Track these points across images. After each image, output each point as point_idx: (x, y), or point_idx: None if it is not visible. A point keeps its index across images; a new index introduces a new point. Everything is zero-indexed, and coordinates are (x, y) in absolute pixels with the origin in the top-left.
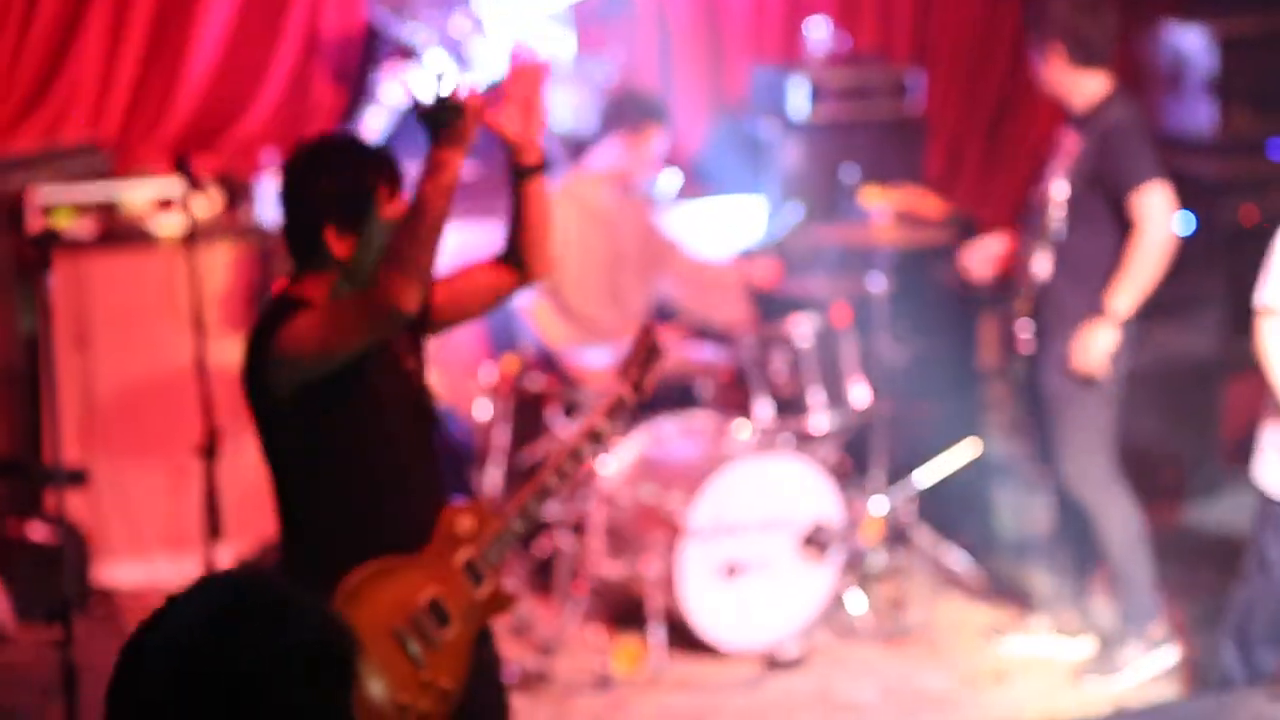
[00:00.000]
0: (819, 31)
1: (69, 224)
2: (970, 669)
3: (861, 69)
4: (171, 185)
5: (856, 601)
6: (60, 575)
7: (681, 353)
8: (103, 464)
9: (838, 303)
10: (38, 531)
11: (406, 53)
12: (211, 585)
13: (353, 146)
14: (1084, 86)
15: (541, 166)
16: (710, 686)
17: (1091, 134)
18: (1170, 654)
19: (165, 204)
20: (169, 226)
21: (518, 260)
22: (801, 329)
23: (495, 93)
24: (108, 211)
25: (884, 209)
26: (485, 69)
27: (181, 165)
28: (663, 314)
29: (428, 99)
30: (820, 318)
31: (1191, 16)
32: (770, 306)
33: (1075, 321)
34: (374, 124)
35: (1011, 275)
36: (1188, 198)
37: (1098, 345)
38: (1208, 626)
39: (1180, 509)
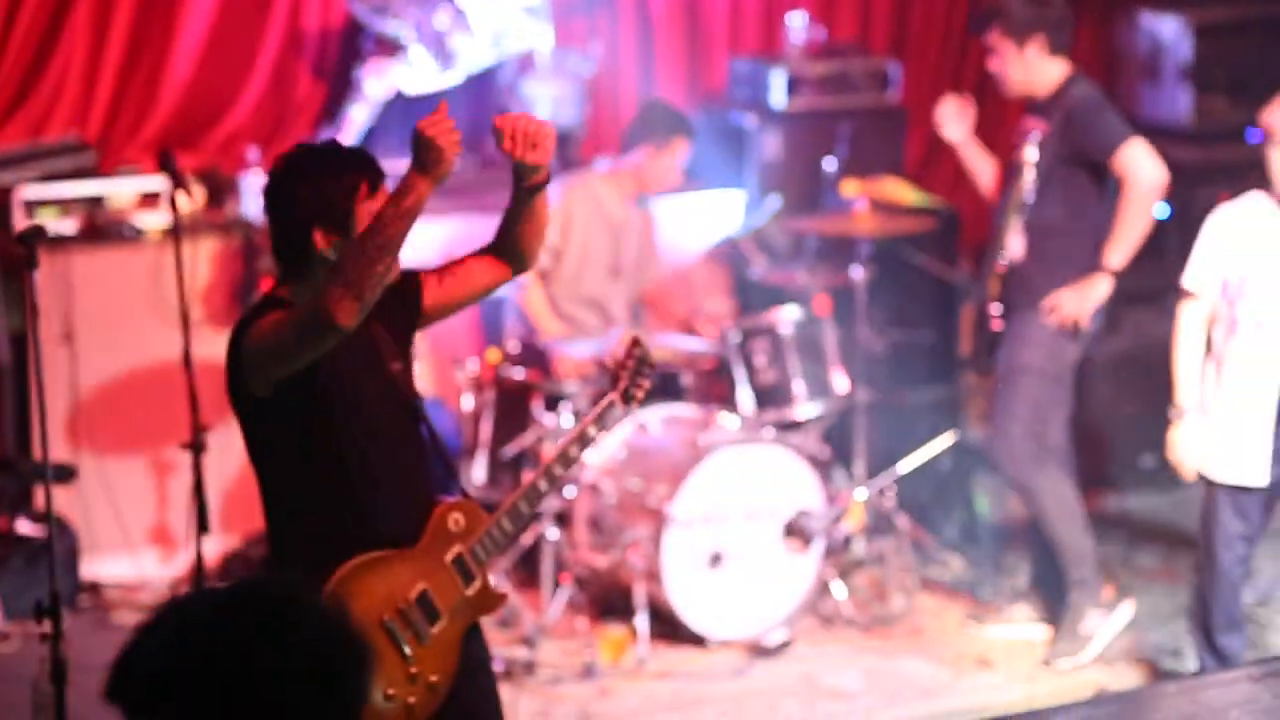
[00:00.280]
0: (798, 23)
1: (54, 221)
2: (953, 655)
3: (840, 60)
4: (156, 182)
5: (839, 589)
6: (49, 570)
7: (665, 344)
8: (90, 459)
9: (818, 293)
10: (26, 527)
11: (388, 48)
12: (231, 591)
13: (334, 150)
14: (1051, 73)
15: (546, 183)
16: (695, 675)
17: (1056, 115)
18: (1126, 611)
19: (150, 200)
20: (154, 223)
21: (510, 255)
22: (783, 319)
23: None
24: (93, 208)
25: (864, 199)
26: (468, 63)
27: (166, 161)
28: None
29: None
30: (801, 308)
31: (1168, 5)
32: (752, 297)
33: (1044, 289)
34: (356, 119)
35: (983, 262)
36: (1167, 180)
37: (1092, 295)
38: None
39: (1162, 494)
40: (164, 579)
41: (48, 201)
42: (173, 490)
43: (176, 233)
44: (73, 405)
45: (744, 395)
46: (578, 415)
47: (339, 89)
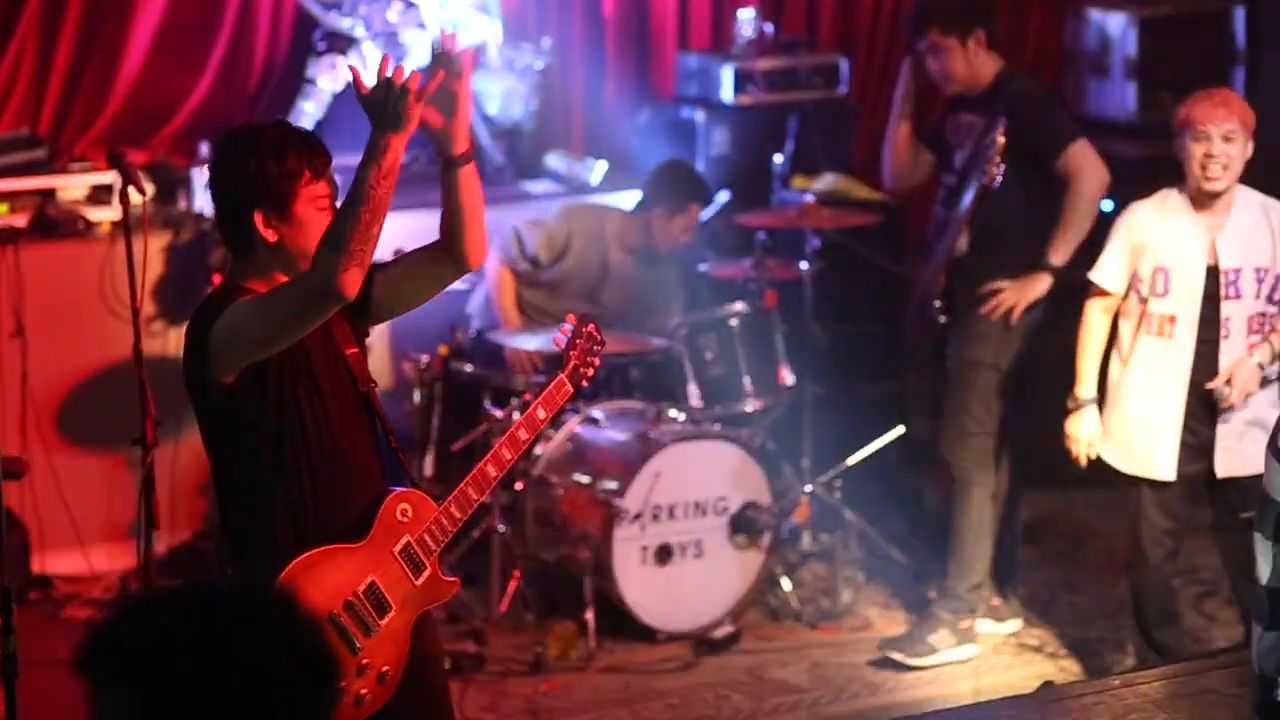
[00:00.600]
0: (747, 18)
1: (5, 215)
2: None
3: (789, 55)
4: (107, 176)
5: (787, 583)
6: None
7: (612, 338)
8: (40, 454)
9: (766, 287)
10: None
11: (340, 43)
12: (218, 583)
13: (274, 130)
14: (991, 67)
15: (470, 154)
16: (643, 668)
17: (995, 108)
18: (970, 651)
19: (101, 195)
20: (104, 217)
21: (454, 249)
22: (731, 313)
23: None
24: (44, 202)
25: (812, 194)
26: (419, 57)
27: (116, 156)
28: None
29: (370, 83)
30: (749, 302)
31: (1115, 1)
32: (700, 291)
33: (992, 279)
34: (308, 114)
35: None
36: (1111, 180)
37: (1033, 293)
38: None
39: (1109, 487)
40: (114, 574)
41: None
42: (123, 485)
43: (127, 227)
44: (23, 399)
45: (692, 389)
46: (527, 409)
47: (290, 84)
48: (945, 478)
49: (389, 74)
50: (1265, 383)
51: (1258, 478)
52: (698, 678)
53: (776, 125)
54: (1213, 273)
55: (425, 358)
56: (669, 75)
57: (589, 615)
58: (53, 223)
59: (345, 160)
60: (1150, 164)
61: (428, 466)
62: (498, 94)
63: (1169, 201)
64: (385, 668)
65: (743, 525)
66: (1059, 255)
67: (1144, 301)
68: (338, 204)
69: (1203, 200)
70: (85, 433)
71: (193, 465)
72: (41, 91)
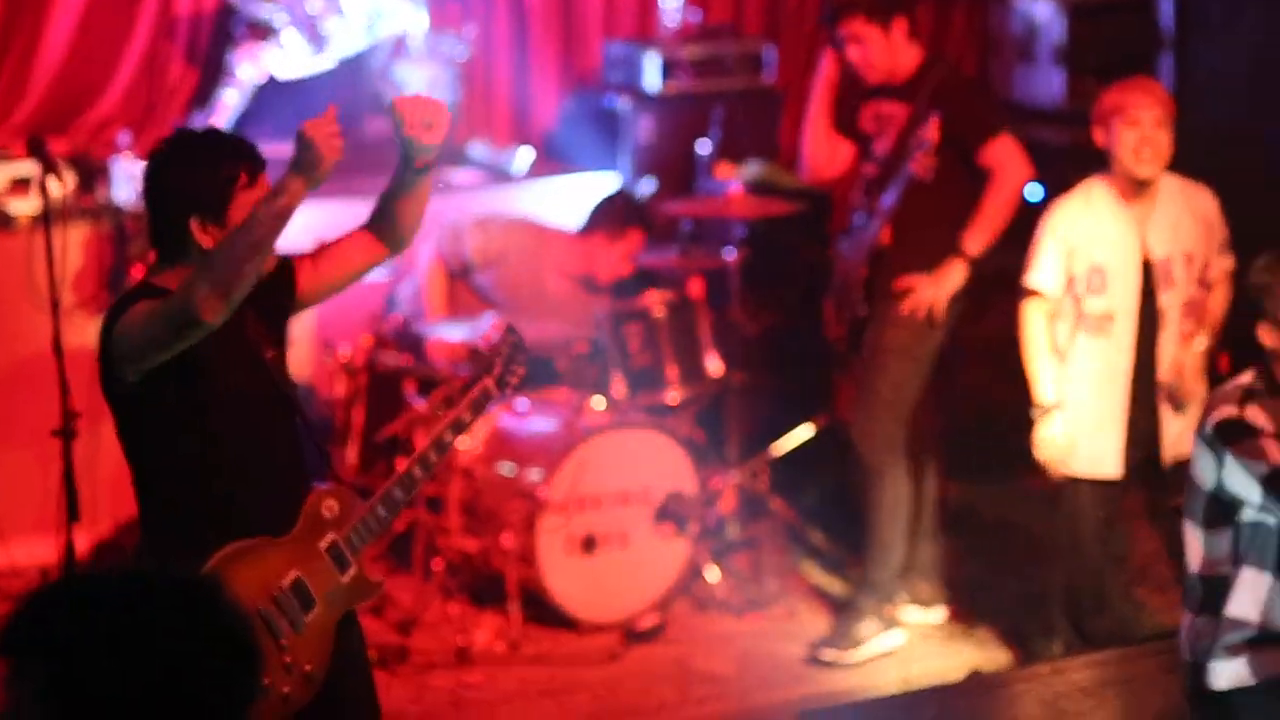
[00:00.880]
0: (672, 5)
1: None
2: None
3: (714, 43)
4: (26, 167)
5: (713, 572)
6: None
7: (538, 327)
8: None
9: (692, 276)
10: None
11: (261, 32)
12: (133, 577)
13: (212, 138)
14: (913, 56)
15: (435, 163)
16: (569, 659)
17: (919, 98)
18: (898, 636)
19: (20, 186)
20: (24, 208)
21: (388, 235)
22: (656, 302)
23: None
24: None
25: (738, 182)
26: (340, 46)
27: (36, 147)
28: None
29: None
30: (675, 291)
31: None
32: (625, 281)
33: (910, 271)
34: (229, 104)
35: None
36: (1038, 166)
37: (949, 284)
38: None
39: (1028, 475)
40: (34, 568)
41: None
42: (44, 478)
43: (47, 218)
44: None
45: (617, 379)
46: (451, 400)
47: (211, 73)
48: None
49: (315, 128)
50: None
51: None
52: (624, 668)
53: (702, 113)
54: (1147, 266)
55: (348, 348)
56: (594, 63)
57: (513, 606)
58: None
59: (265, 150)
60: (1077, 150)
61: (351, 457)
62: (421, 83)
63: (1094, 197)
64: (310, 665)
65: (668, 515)
66: (974, 244)
67: (1079, 300)
68: None
69: (1130, 191)
70: (4, 425)
71: (115, 457)
72: None
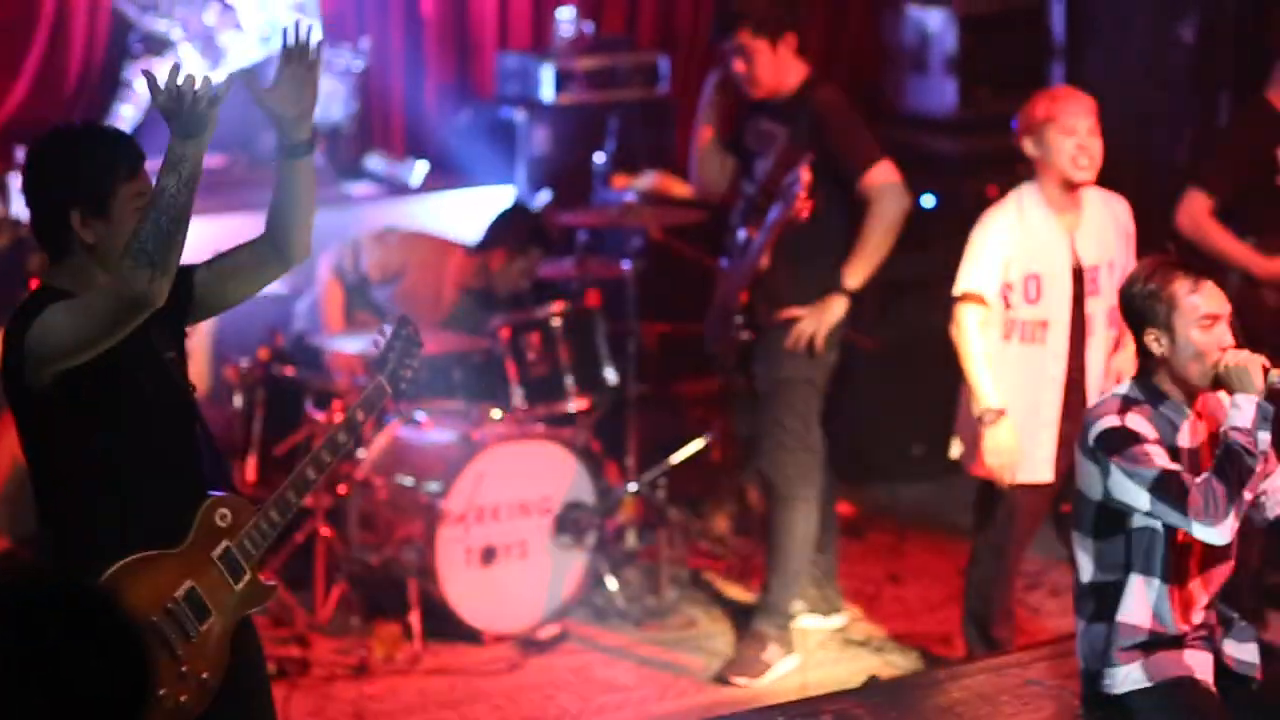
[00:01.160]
0: (566, 17)
1: None
2: (725, 648)
3: (609, 54)
4: None
5: (612, 582)
6: None
7: (435, 338)
8: None
9: (589, 286)
10: None
11: (157, 46)
12: (25, 587)
13: (89, 131)
14: (795, 74)
15: (314, 144)
16: (469, 670)
17: (798, 119)
18: (795, 660)
19: None
20: None
21: (280, 244)
22: (554, 313)
23: (258, 74)
24: None
25: (634, 192)
26: (237, 59)
27: None
28: None
29: (163, 91)
30: (572, 301)
31: None
32: (522, 292)
33: (791, 303)
34: (125, 118)
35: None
36: (931, 175)
37: (830, 319)
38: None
39: (931, 482)
40: None
41: None
42: None
43: None
44: None
45: (515, 390)
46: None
47: (108, 87)
48: (766, 492)
49: (179, 81)
50: None
51: None
52: (524, 678)
53: (597, 124)
54: (1077, 274)
55: (246, 361)
56: (489, 75)
57: (414, 617)
58: None
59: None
60: (970, 159)
61: (250, 470)
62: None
63: (1025, 205)
64: (206, 674)
65: (567, 525)
66: (854, 279)
67: (1012, 306)
68: None
69: (1059, 200)
70: None
71: (11, 471)
72: None
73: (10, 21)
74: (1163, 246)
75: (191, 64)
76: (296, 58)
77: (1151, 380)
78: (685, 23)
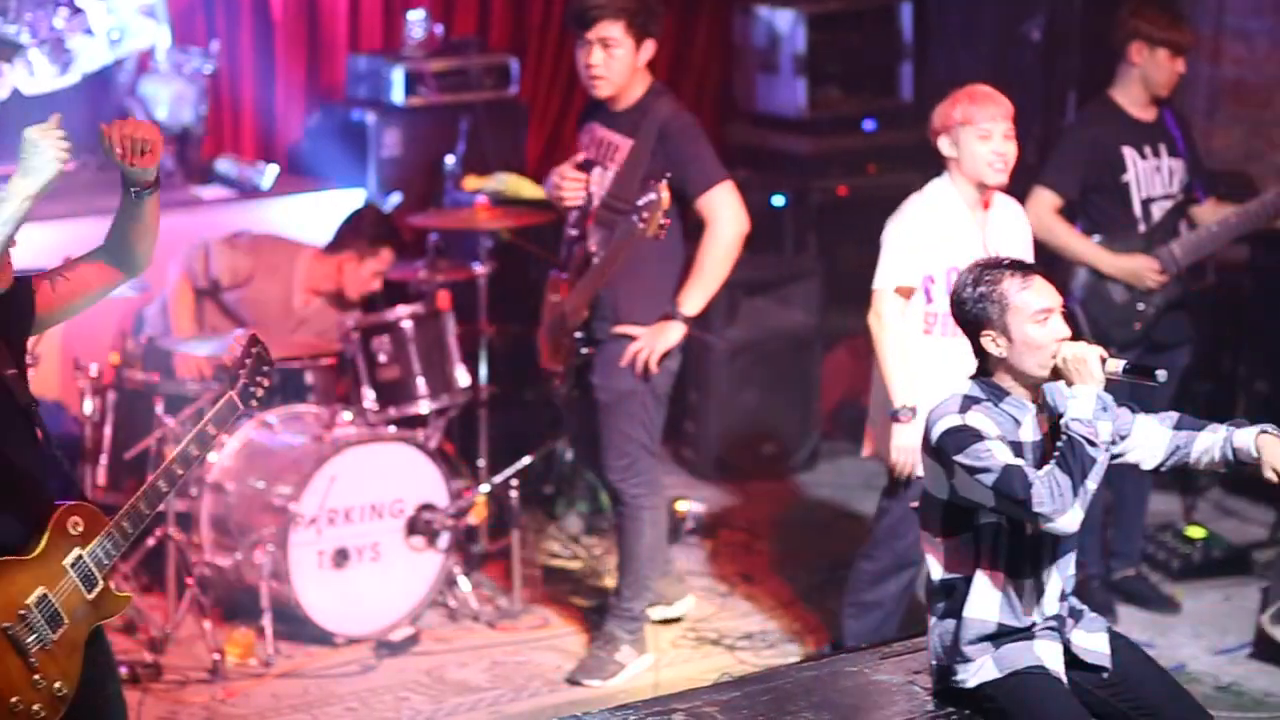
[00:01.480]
0: (417, 19)
1: None
2: (578, 648)
3: (460, 56)
4: None
5: (465, 583)
6: None
7: (286, 342)
8: None
9: (440, 288)
10: None
11: (5, 50)
12: None
13: None
14: (641, 83)
15: (157, 185)
16: (322, 673)
17: (641, 131)
18: (650, 659)
19: None
20: None
21: (122, 259)
22: (404, 315)
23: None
24: None
25: (484, 194)
26: (86, 63)
27: None
28: None
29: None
30: (423, 303)
31: None
32: (373, 294)
33: (630, 321)
34: None
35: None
36: (781, 175)
37: (665, 343)
38: (818, 596)
39: (782, 480)
40: None
41: None
42: None
43: None
44: None
45: (366, 392)
46: (200, 416)
47: None
48: (613, 499)
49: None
50: None
51: None
52: (377, 680)
53: (448, 126)
54: None
55: (96, 366)
56: (340, 77)
57: (266, 621)
58: None
59: (10, 169)
60: (820, 158)
61: (100, 475)
62: (166, 99)
63: (942, 200)
64: (59, 683)
65: (419, 527)
66: (691, 304)
67: (932, 300)
68: None
69: (972, 198)
70: None
71: None
72: None
73: None
74: None
75: (40, 68)
76: (124, 139)
77: (991, 379)
78: (536, 24)
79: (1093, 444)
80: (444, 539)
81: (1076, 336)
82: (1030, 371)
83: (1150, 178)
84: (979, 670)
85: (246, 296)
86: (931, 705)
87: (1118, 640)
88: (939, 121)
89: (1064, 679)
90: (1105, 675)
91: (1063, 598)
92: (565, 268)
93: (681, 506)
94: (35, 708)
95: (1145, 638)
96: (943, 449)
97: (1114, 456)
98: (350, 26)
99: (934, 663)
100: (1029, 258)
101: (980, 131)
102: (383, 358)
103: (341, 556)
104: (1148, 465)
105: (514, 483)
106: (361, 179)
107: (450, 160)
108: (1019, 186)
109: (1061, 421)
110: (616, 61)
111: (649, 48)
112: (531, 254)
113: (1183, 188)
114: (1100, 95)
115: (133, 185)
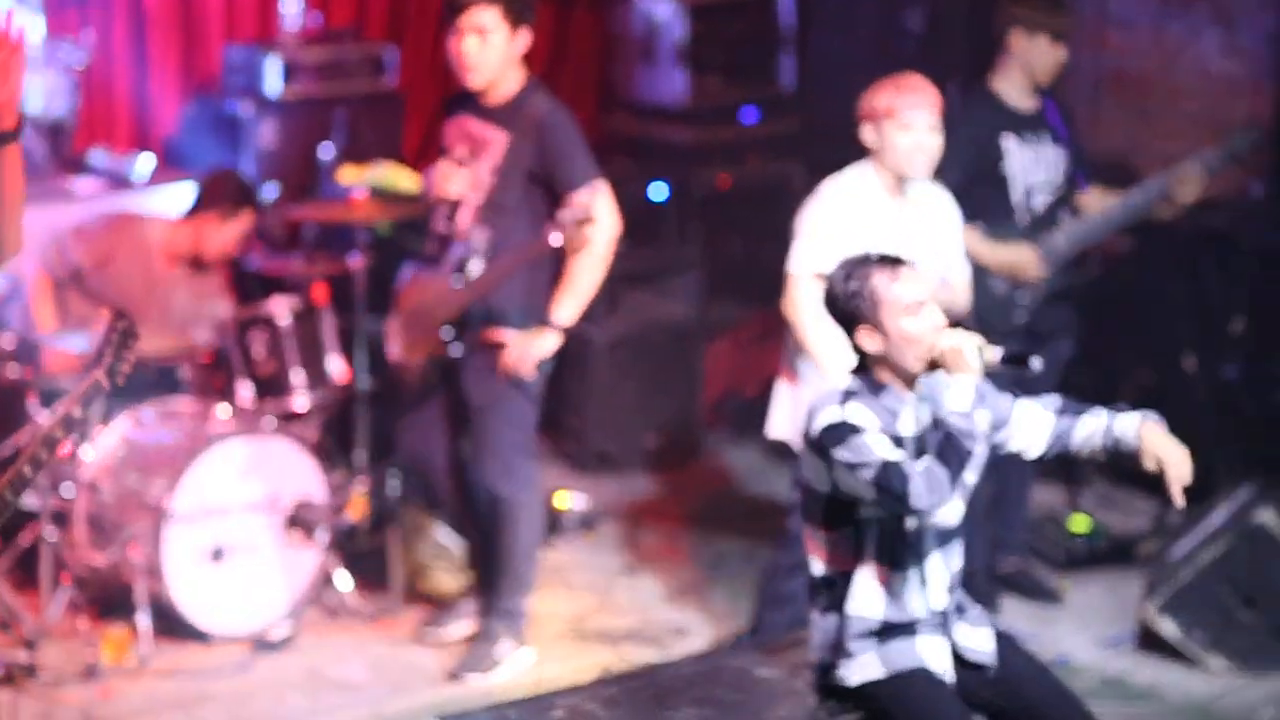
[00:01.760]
0: (293, 9)
1: None
2: (460, 641)
3: (336, 46)
4: None
5: (343, 580)
6: None
7: (159, 338)
8: None
9: (316, 281)
10: None
11: None
12: None
13: None
14: (516, 76)
15: (18, 132)
16: (199, 672)
17: (517, 126)
18: (530, 656)
19: None
20: None
21: None
22: (280, 309)
23: None
24: None
25: (361, 186)
26: None
27: None
28: None
29: None
30: (299, 297)
31: None
32: (249, 287)
33: (503, 323)
34: None
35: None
36: (662, 165)
37: (538, 351)
38: (702, 590)
39: (665, 473)
40: None
41: None
42: None
43: None
44: None
45: (243, 387)
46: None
47: None
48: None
49: None
50: None
51: None
52: (254, 677)
53: (324, 117)
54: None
55: None
56: (215, 67)
57: (142, 619)
58: None
59: None
60: (700, 149)
61: None
62: (39, 90)
63: (863, 186)
64: None
65: (298, 523)
66: (565, 314)
67: None
68: None
69: (895, 185)
70: None
71: None
72: None
73: None
74: None
75: None
76: None
77: (869, 372)
78: (414, 14)
79: (970, 435)
80: (322, 535)
81: (956, 325)
82: (908, 365)
83: (1032, 167)
84: (862, 668)
85: (109, 276)
86: (813, 701)
87: (1002, 638)
88: (864, 110)
89: (948, 679)
90: (990, 672)
91: (950, 591)
92: (435, 262)
93: (562, 500)
94: None
95: (1030, 629)
96: (821, 444)
97: (996, 445)
98: (225, 16)
99: (817, 659)
100: (956, 244)
101: (902, 123)
102: (259, 352)
103: (218, 553)
104: (1031, 454)
105: (394, 477)
106: (237, 170)
107: (327, 151)
108: None
109: (940, 414)
110: (491, 50)
111: (524, 37)
112: (409, 247)
113: (1065, 177)
114: (981, 84)
115: None
